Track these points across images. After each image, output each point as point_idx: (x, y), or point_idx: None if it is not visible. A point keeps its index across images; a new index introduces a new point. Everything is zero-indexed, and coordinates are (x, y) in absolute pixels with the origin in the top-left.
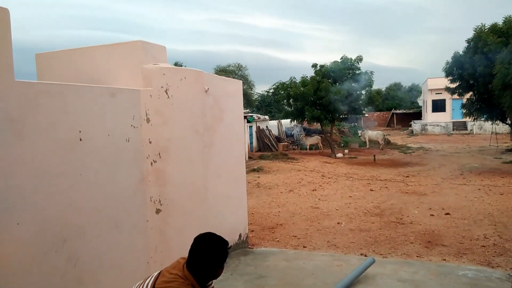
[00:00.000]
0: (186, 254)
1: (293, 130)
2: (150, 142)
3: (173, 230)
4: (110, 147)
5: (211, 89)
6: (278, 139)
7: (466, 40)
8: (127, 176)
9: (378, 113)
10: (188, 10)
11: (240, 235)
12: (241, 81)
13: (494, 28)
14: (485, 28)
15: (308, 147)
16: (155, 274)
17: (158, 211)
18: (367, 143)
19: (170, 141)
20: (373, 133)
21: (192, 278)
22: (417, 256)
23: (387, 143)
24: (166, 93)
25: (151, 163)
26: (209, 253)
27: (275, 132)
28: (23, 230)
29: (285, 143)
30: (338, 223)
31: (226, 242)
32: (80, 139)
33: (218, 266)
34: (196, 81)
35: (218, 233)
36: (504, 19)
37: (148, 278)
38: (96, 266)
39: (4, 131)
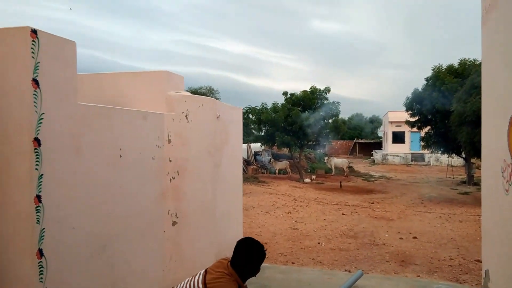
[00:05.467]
0: (197, 264)
1: (261, 154)
2: (170, 161)
3: (186, 241)
4: (140, 164)
5: (221, 115)
6: (248, 162)
7: (425, 78)
8: (152, 190)
9: (342, 141)
10: (155, 29)
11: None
12: (241, 108)
13: (450, 69)
14: (443, 68)
15: (277, 171)
16: (202, 272)
17: (174, 223)
18: (333, 169)
19: (187, 160)
20: (338, 160)
21: (237, 275)
22: (394, 273)
23: (351, 170)
24: (186, 117)
25: (170, 180)
26: (253, 254)
27: (244, 155)
28: (76, 234)
29: (254, 167)
30: (318, 243)
31: (263, 246)
32: (120, 156)
33: (259, 265)
34: (211, 108)
35: (221, 247)
36: (459, 61)
37: (195, 275)
38: (127, 271)
39: (67, 146)
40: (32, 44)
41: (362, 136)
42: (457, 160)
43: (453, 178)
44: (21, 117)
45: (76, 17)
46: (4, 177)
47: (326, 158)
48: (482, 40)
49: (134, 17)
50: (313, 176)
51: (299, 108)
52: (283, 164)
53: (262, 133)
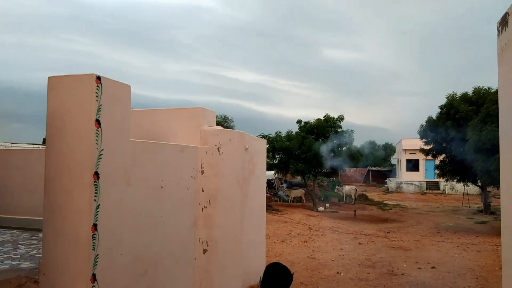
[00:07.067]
0: None
1: (274, 182)
2: (203, 191)
3: (215, 268)
4: (177, 194)
5: (248, 147)
6: None
7: (439, 106)
8: (186, 219)
9: (355, 169)
10: (171, 60)
11: (260, 278)
12: (265, 140)
13: (464, 97)
14: (457, 96)
15: (291, 199)
16: None
17: (204, 251)
18: (344, 197)
19: (218, 190)
20: (347, 188)
21: None
22: None
23: (365, 198)
24: (218, 150)
25: (202, 209)
26: (281, 277)
27: None
28: (123, 260)
29: (268, 195)
30: (338, 272)
31: (290, 270)
32: (161, 187)
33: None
34: (240, 140)
35: (247, 274)
36: (473, 89)
37: None
38: None
39: (120, 178)
40: (97, 89)
41: (375, 164)
42: (472, 189)
43: (469, 207)
44: (83, 153)
45: (95, 48)
46: (65, 207)
47: (336, 187)
48: (498, 78)
49: (150, 49)
50: (327, 205)
51: (312, 136)
52: (298, 192)
53: (276, 161)
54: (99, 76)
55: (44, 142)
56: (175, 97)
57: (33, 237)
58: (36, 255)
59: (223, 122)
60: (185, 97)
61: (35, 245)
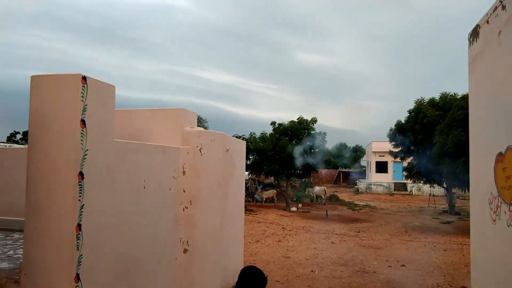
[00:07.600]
0: None
1: (247, 183)
2: (184, 191)
3: (195, 268)
4: (159, 194)
5: (229, 148)
6: None
7: (408, 111)
8: (167, 219)
9: (326, 170)
10: (142, 59)
11: None
12: (244, 142)
13: (432, 102)
14: (424, 101)
15: (264, 200)
16: None
17: (185, 250)
18: (314, 198)
19: (199, 191)
20: (317, 189)
21: None
22: None
23: (336, 199)
24: (200, 151)
25: (183, 209)
26: (255, 280)
27: None
28: (107, 259)
29: None
30: (312, 271)
31: (264, 273)
32: (144, 187)
33: None
34: (221, 142)
35: (226, 273)
36: (440, 94)
37: None
38: None
39: (104, 179)
40: (82, 89)
41: (345, 166)
42: (438, 190)
43: (435, 207)
44: (68, 153)
45: (63, 45)
46: (49, 207)
47: (307, 188)
48: (469, 86)
49: (121, 47)
50: (300, 205)
51: (286, 138)
52: (270, 192)
53: (249, 162)
54: (84, 76)
55: (8, 139)
56: (147, 96)
57: (8, 238)
58: (14, 256)
59: (198, 123)
60: (157, 97)
61: (11, 246)
